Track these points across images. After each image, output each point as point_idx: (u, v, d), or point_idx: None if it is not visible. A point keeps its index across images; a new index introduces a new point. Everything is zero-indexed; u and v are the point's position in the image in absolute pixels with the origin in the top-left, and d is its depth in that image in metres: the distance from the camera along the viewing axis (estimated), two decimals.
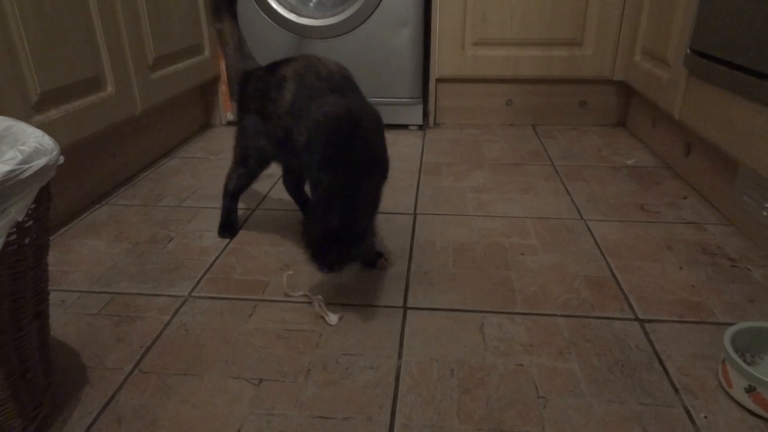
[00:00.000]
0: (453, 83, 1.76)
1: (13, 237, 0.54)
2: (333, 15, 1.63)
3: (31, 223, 0.56)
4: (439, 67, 1.70)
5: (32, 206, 0.54)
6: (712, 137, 1.10)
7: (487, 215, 1.15)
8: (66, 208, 1.16)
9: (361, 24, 1.61)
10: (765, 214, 0.99)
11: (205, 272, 0.96)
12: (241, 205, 1.21)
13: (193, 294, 0.89)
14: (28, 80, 0.98)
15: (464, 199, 1.24)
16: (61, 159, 0.58)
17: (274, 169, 1.40)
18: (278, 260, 0.99)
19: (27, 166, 0.52)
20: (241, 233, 1.09)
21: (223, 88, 1.78)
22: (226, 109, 1.81)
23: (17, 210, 0.51)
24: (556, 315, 0.83)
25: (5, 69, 0.92)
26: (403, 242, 1.05)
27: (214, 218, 1.14)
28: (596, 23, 1.61)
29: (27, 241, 0.56)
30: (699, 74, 1.15)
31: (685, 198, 1.22)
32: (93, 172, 1.24)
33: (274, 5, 1.63)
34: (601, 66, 1.65)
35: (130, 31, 1.26)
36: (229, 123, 1.83)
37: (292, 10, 1.64)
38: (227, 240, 1.06)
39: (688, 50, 1.19)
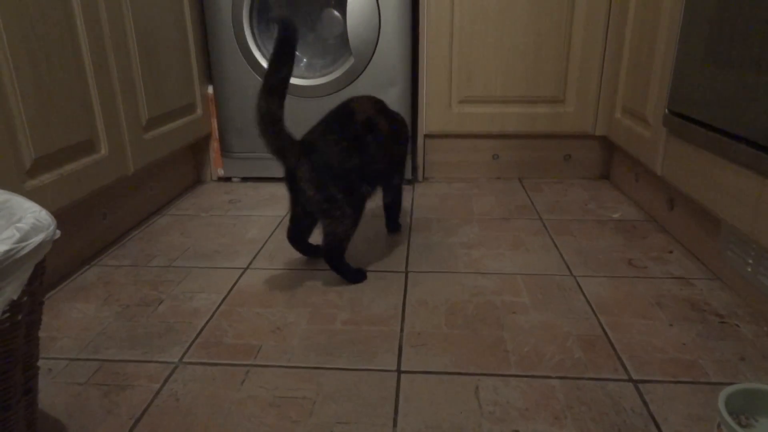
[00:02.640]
0: (441, 139, 1.80)
1: (6, 315, 0.53)
2: (323, 75, 1.68)
3: (25, 299, 0.55)
4: (426, 124, 1.75)
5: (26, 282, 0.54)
6: (693, 194, 1.13)
7: (478, 272, 1.16)
8: (55, 270, 1.15)
9: (350, 83, 1.66)
10: (749, 270, 1.01)
11: (196, 336, 0.94)
12: (230, 264, 1.21)
13: (183, 360, 0.88)
14: (23, 146, 0.99)
15: (455, 255, 1.25)
16: (58, 233, 0.58)
17: (263, 233, 1.41)
18: (270, 322, 0.98)
19: (24, 244, 0.52)
20: (232, 294, 1.09)
21: (214, 144, 1.80)
22: (217, 166, 1.83)
23: (12, 289, 0.51)
24: (550, 377, 0.83)
25: (1, 135, 0.94)
26: (395, 301, 1.05)
27: (205, 278, 1.14)
28: (576, 82, 1.67)
29: (20, 317, 0.55)
30: (678, 134, 1.20)
31: (671, 252, 1.25)
32: (83, 232, 1.24)
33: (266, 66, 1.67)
34: (583, 122, 1.71)
35: (124, 94, 1.29)
36: (220, 179, 1.84)
37: None
38: (218, 302, 1.06)
39: (666, 110, 1.24)
